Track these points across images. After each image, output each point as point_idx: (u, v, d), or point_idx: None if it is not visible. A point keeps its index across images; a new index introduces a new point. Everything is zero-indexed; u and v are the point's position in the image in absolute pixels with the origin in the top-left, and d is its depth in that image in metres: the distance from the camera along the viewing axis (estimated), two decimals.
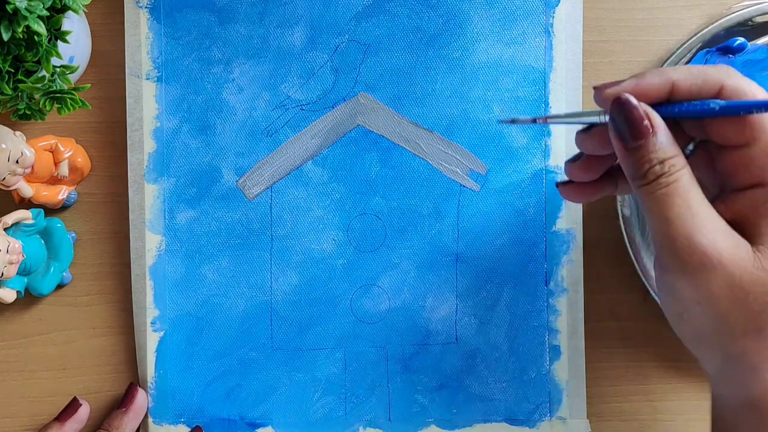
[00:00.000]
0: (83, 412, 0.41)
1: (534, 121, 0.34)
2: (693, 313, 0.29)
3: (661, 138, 0.28)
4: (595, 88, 0.30)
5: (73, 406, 0.41)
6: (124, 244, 0.43)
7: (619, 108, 0.29)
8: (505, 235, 0.42)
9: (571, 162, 0.34)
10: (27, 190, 0.40)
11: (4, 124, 0.38)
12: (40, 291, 0.41)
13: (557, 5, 0.42)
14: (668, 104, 0.29)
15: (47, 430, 0.40)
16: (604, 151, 0.32)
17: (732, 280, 0.27)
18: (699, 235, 0.27)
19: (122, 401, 0.41)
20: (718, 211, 0.28)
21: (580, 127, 0.33)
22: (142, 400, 0.42)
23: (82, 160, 0.42)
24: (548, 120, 0.34)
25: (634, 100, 0.28)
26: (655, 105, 0.29)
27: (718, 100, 0.28)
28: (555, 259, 0.42)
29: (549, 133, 0.42)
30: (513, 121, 0.34)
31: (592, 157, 0.33)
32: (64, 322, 0.43)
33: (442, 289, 0.42)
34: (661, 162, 0.28)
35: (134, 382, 0.42)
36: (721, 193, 0.31)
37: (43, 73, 0.36)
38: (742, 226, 0.28)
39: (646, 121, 0.28)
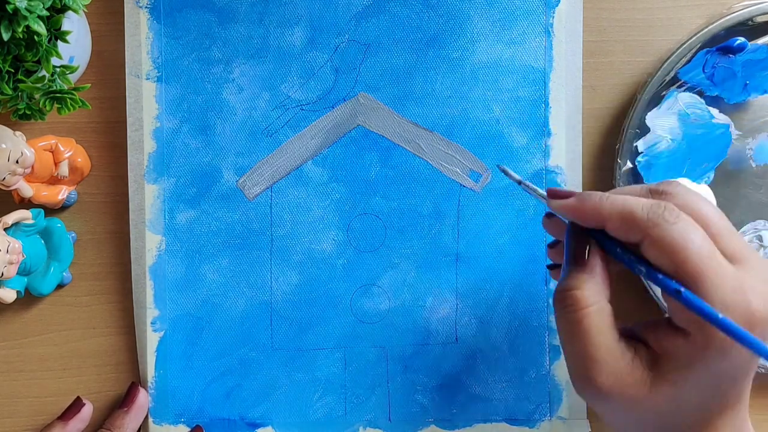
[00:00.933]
0: (86, 412, 0.41)
1: (519, 182, 0.35)
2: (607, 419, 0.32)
3: (587, 278, 0.30)
4: (548, 194, 0.32)
5: (76, 405, 0.41)
6: (124, 244, 0.43)
7: (567, 230, 0.31)
8: (505, 235, 0.42)
9: (550, 247, 0.36)
10: (27, 190, 0.40)
11: (4, 124, 0.38)
12: (40, 291, 0.41)
13: (557, 5, 0.42)
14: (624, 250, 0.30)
15: (50, 429, 0.40)
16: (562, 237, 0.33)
17: (623, 410, 0.29)
18: (598, 376, 0.29)
19: (123, 401, 0.41)
20: (643, 329, 0.30)
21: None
22: (143, 399, 0.42)
23: (82, 160, 0.42)
24: (527, 188, 0.35)
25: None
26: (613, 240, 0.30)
27: (680, 288, 0.27)
28: None
29: (549, 133, 0.42)
30: (504, 171, 0.35)
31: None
32: (64, 322, 0.43)
33: (442, 289, 0.42)
34: (576, 299, 0.29)
35: (135, 382, 0.42)
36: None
37: (43, 73, 0.36)
38: (654, 351, 0.29)
39: (580, 254, 0.30)
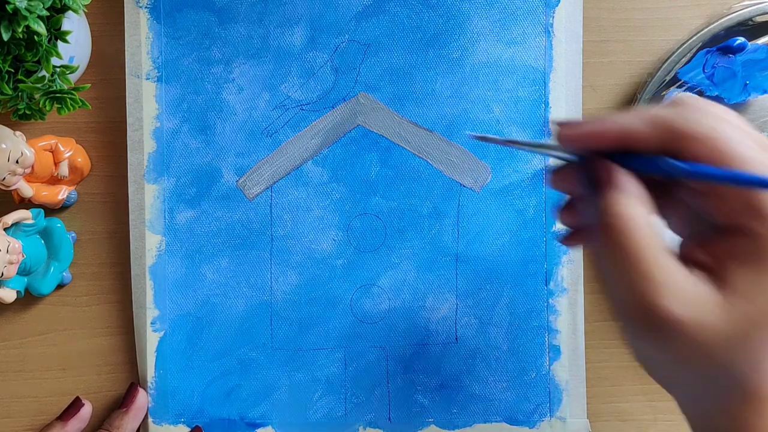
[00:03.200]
0: (86, 412, 0.41)
1: (505, 143, 0.31)
2: (657, 363, 0.27)
3: (622, 195, 0.26)
4: (558, 124, 0.28)
5: (75, 405, 0.41)
6: (124, 244, 0.43)
7: (583, 158, 0.27)
8: (505, 235, 0.42)
9: (563, 210, 0.32)
10: (27, 190, 0.40)
11: (4, 124, 0.38)
12: (40, 291, 0.41)
13: (557, 5, 0.42)
14: (652, 157, 0.26)
15: (50, 429, 0.40)
16: (575, 192, 0.30)
17: (696, 345, 0.25)
18: (658, 298, 0.24)
19: (123, 401, 0.41)
20: (690, 253, 0.26)
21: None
22: (142, 400, 0.42)
23: (82, 160, 0.42)
24: (515, 145, 0.32)
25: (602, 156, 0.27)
26: (637, 156, 0.26)
27: (713, 169, 0.25)
28: (555, 259, 0.42)
29: (549, 134, 0.42)
30: (483, 139, 0.32)
31: (575, 200, 0.31)
32: (64, 322, 0.43)
33: (442, 289, 0.42)
34: (618, 215, 0.25)
35: (135, 382, 0.42)
36: (695, 230, 0.28)
37: (43, 73, 0.36)
38: (713, 270, 0.26)
39: (610, 174, 0.26)
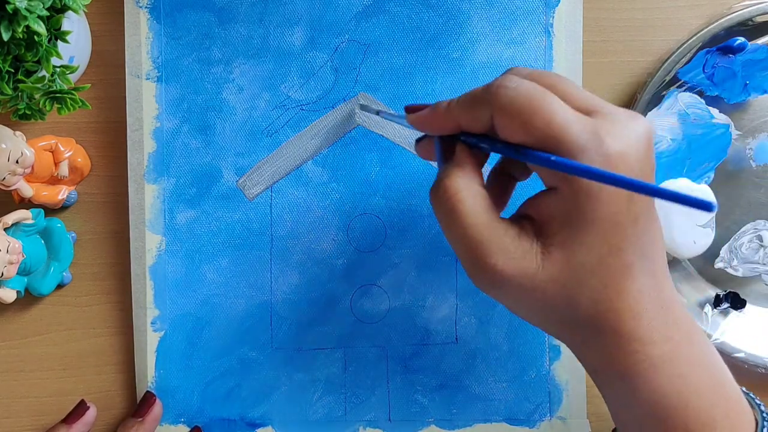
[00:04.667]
0: (90, 415, 0.41)
1: (377, 113, 0.37)
2: (516, 311, 0.30)
3: (457, 170, 0.29)
4: (406, 110, 0.32)
5: (80, 408, 0.41)
6: (124, 244, 0.43)
7: (435, 142, 0.31)
8: None
9: (417, 142, 0.35)
10: (27, 190, 0.40)
11: (4, 124, 0.38)
12: (40, 291, 0.41)
13: (557, 5, 0.42)
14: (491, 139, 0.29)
15: (54, 431, 0.40)
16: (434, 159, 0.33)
17: (527, 291, 0.28)
18: (485, 257, 0.28)
19: (138, 410, 0.41)
20: (524, 211, 0.30)
21: None
22: (158, 411, 0.41)
23: (82, 160, 0.42)
24: (383, 115, 0.37)
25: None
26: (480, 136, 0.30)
27: (527, 150, 0.27)
28: None
29: None
30: (365, 108, 0.38)
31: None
32: (64, 322, 0.43)
33: (442, 289, 0.42)
34: (447, 186, 0.29)
35: (152, 392, 0.42)
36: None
37: (43, 73, 0.36)
38: (538, 224, 0.29)
39: (447, 150, 0.30)
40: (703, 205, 0.22)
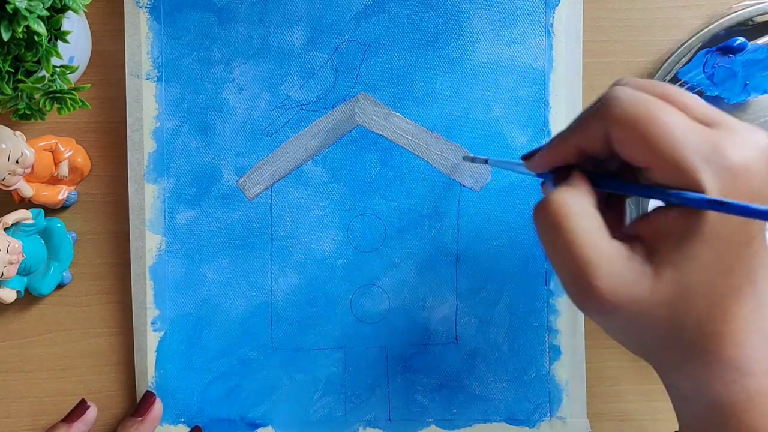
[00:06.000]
0: (91, 414, 0.41)
1: (485, 161, 0.36)
2: (615, 334, 0.29)
3: (568, 188, 0.28)
4: (524, 159, 0.32)
5: (81, 407, 0.41)
6: (124, 244, 0.43)
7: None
8: (505, 235, 0.42)
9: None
10: (27, 190, 0.40)
11: (4, 124, 0.38)
12: (40, 291, 0.41)
13: (557, 5, 0.42)
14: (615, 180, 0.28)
15: (54, 431, 0.40)
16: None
17: (634, 315, 0.26)
18: (592, 279, 0.26)
19: (137, 410, 0.41)
20: (635, 228, 0.28)
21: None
22: (158, 411, 0.41)
23: (82, 160, 0.42)
24: (492, 163, 0.36)
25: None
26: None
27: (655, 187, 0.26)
28: None
29: (549, 133, 0.42)
30: (472, 160, 0.38)
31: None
32: (64, 322, 0.43)
33: (442, 289, 0.42)
34: (558, 204, 0.27)
35: (152, 392, 0.42)
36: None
37: (43, 73, 0.36)
38: (649, 243, 0.27)
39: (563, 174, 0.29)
40: None
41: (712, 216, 0.25)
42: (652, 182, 0.27)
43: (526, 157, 0.31)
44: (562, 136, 0.29)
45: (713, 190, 0.25)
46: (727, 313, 0.26)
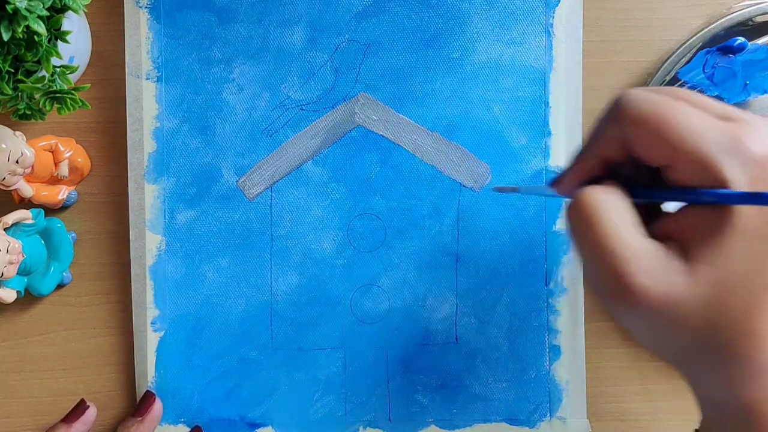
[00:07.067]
0: (90, 414, 0.41)
1: (515, 190, 0.36)
2: (645, 336, 0.28)
3: (602, 187, 0.27)
4: (551, 186, 0.31)
5: (80, 407, 0.41)
6: (124, 244, 0.43)
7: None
8: (505, 235, 0.42)
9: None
10: (27, 190, 0.40)
11: (4, 124, 0.38)
12: (40, 291, 0.41)
13: (557, 5, 0.42)
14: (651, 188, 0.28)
15: (54, 431, 0.40)
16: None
17: (669, 312, 0.25)
18: (628, 274, 0.25)
19: (137, 410, 0.41)
20: (666, 226, 0.27)
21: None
22: (158, 410, 0.41)
23: (82, 160, 0.42)
24: (522, 191, 0.36)
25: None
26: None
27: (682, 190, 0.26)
28: (555, 259, 0.42)
29: (549, 133, 0.42)
30: (501, 190, 0.38)
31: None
32: (64, 322, 0.43)
33: (442, 289, 0.42)
34: (593, 198, 0.27)
35: (152, 392, 0.42)
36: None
37: (43, 73, 0.36)
38: (682, 241, 0.27)
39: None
40: None
41: (743, 210, 0.25)
42: (673, 182, 0.26)
43: (555, 183, 0.31)
44: (582, 151, 0.29)
45: (740, 183, 0.24)
46: (761, 312, 0.25)
